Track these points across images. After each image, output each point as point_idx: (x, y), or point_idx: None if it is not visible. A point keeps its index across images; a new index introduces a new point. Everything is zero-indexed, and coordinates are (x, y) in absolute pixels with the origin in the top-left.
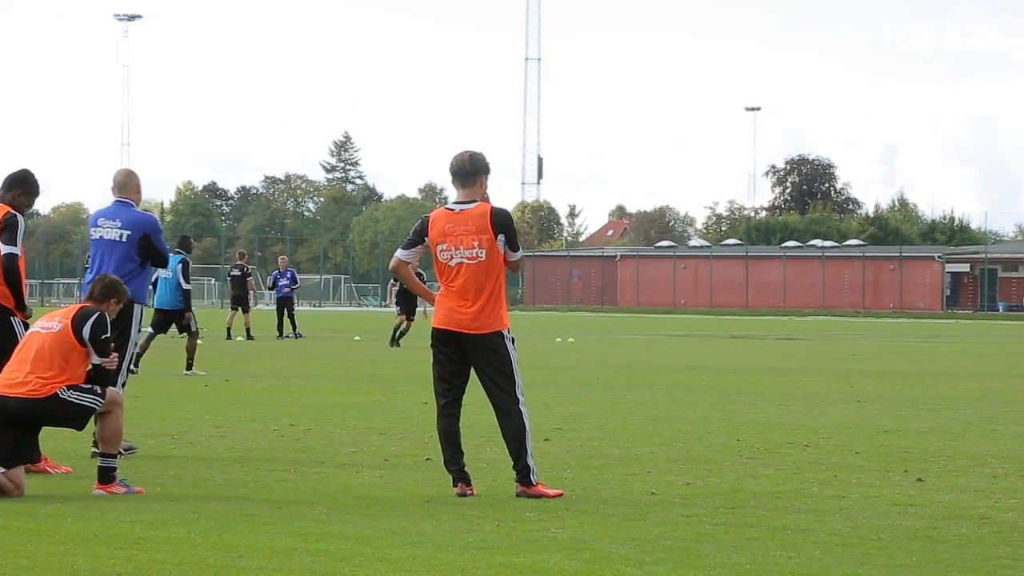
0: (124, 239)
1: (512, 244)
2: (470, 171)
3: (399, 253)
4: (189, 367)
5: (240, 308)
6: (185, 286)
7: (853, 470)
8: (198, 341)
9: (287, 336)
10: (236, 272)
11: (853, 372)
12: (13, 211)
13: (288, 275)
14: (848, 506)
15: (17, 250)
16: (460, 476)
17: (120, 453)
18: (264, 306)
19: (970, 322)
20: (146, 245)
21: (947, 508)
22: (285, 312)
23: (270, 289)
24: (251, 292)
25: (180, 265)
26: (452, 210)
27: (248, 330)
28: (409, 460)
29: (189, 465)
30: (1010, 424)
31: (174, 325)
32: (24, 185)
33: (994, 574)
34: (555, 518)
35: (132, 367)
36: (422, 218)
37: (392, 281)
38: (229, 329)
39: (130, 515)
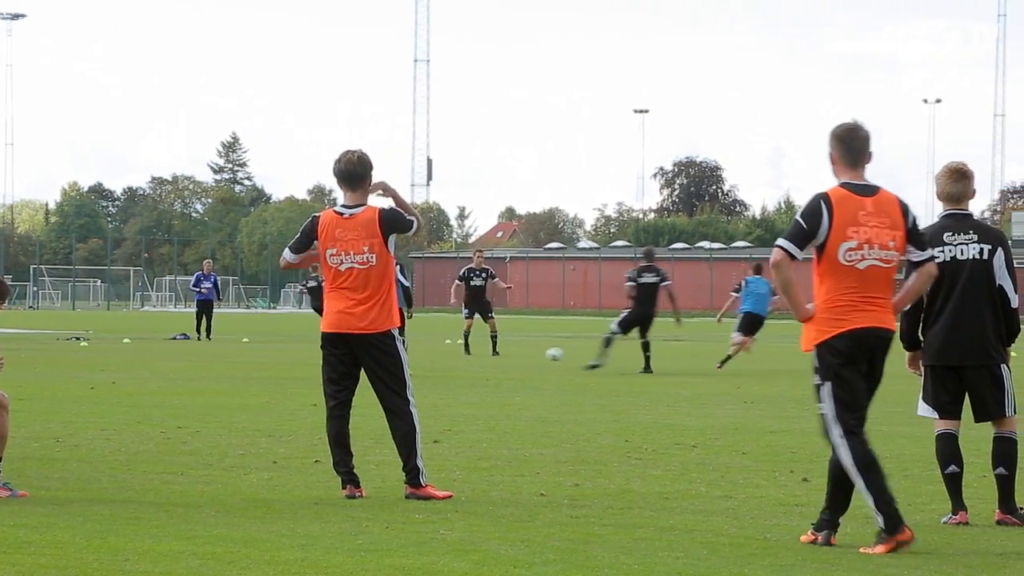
0: None
1: (404, 226)
2: (360, 174)
3: (287, 255)
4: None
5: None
6: (404, 283)
7: (740, 470)
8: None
9: (187, 337)
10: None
11: (740, 373)
12: None
13: (211, 279)
14: (735, 506)
15: None
16: (349, 478)
17: None
18: (152, 308)
19: None
20: None
21: None
22: (204, 314)
23: (194, 289)
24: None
25: (398, 266)
26: (341, 215)
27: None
28: (298, 462)
29: (74, 468)
30: (894, 424)
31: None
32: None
33: (877, 572)
34: (444, 520)
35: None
36: (312, 218)
37: (458, 281)
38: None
39: (14, 519)
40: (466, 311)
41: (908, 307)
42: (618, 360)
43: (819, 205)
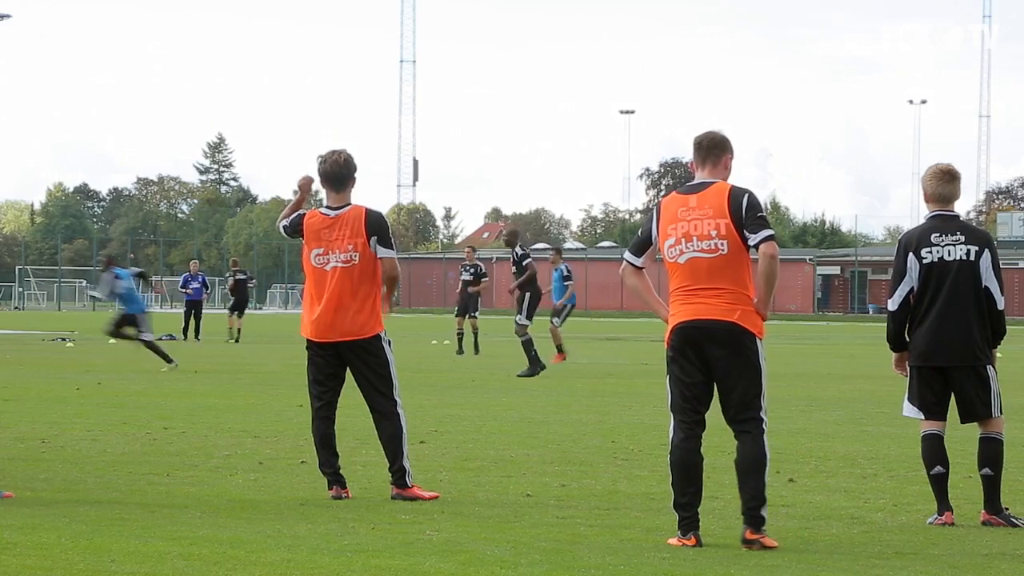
0: None
1: (385, 243)
2: (345, 175)
3: (280, 222)
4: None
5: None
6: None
7: (725, 471)
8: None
9: (173, 338)
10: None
11: None
12: None
13: (199, 279)
14: (721, 507)
15: None
16: (335, 479)
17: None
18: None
19: (841, 324)
20: None
21: (818, 508)
22: (193, 314)
23: (182, 290)
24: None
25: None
26: (327, 215)
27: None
28: (284, 463)
29: (60, 469)
30: (879, 425)
31: None
32: None
33: (864, 573)
34: (430, 520)
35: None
36: (299, 214)
37: (463, 285)
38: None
39: None
40: (457, 309)
41: (895, 308)
42: (604, 361)
43: (651, 213)
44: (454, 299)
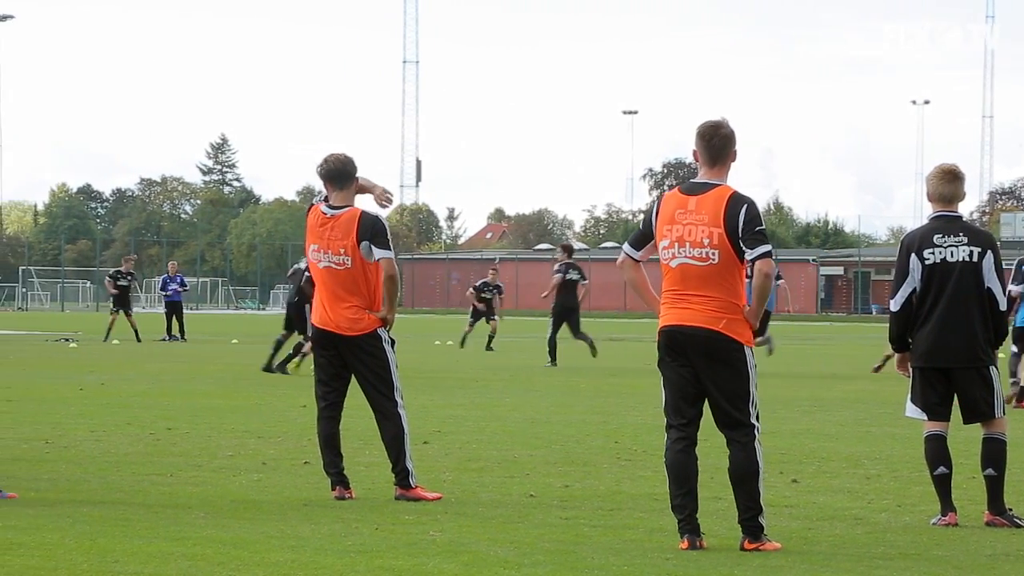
0: None
1: (380, 245)
2: (347, 173)
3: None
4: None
5: (123, 311)
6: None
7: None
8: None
9: (175, 338)
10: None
11: None
12: None
13: (177, 279)
14: (724, 508)
15: None
16: (339, 479)
17: None
18: (141, 309)
19: (844, 324)
20: None
21: (822, 509)
22: (174, 315)
23: (161, 292)
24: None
25: None
26: (326, 213)
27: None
28: (287, 463)
29: (64, 469)
30: (883, 426)
31: None
32: None
33: (867, 574)
34: (434, 521)
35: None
36: (308, 207)
37: (472, 290)
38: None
39: (3, 520)
40: (472, 319)
41: (897, 309)
42: (607, 361)
43: (652, 207)
44: (456, 299)
